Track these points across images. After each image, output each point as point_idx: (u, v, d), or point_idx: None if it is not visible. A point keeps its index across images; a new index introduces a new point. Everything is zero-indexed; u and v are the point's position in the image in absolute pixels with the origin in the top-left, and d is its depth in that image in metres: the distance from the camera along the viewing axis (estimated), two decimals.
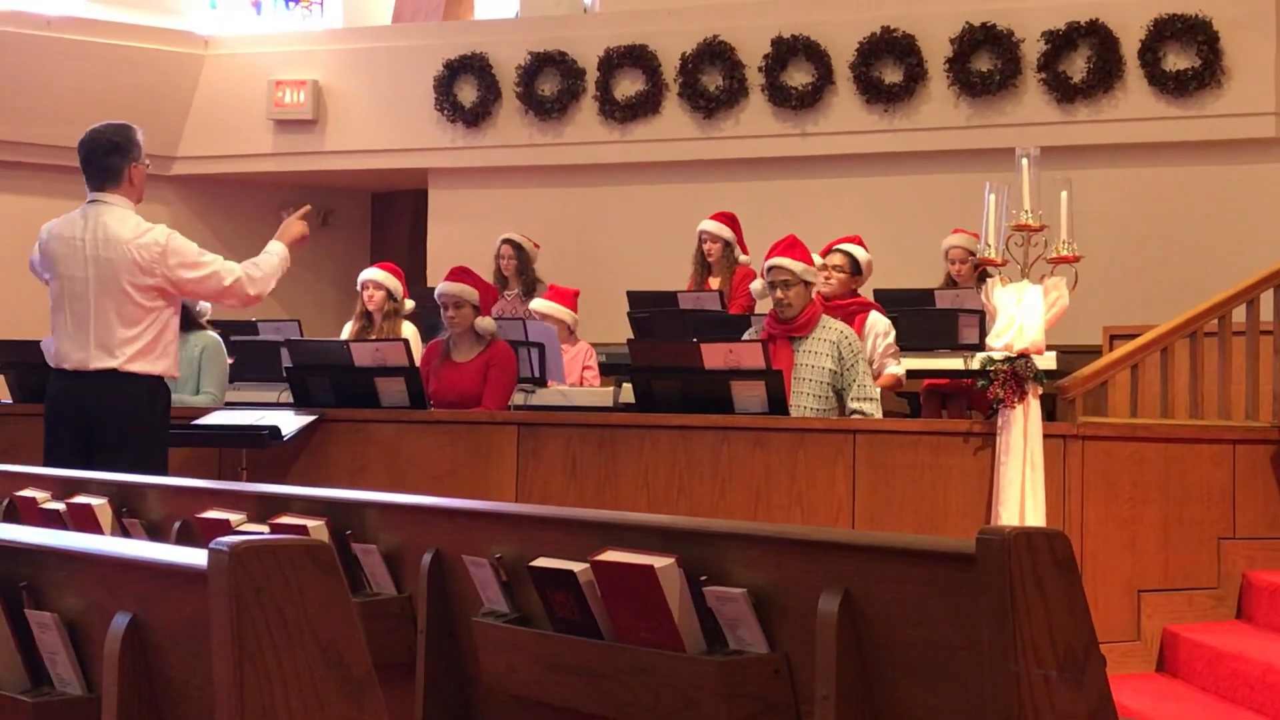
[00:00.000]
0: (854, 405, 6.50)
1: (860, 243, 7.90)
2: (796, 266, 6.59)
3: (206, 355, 7.68)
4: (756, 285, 6.95)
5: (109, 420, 5.77)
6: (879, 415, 6.54)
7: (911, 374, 8.31)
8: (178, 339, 6.06)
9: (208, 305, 7.52)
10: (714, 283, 8.89)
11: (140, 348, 5.82)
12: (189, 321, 7.55)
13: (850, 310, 7.46)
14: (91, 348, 5.79)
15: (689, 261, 9.49)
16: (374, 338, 8.36)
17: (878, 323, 7.50)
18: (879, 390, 6.67)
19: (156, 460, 5.82)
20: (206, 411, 7.09)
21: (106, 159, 5.90)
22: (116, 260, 5.79)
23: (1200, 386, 6.76)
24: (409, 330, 8.62)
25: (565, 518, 3.07)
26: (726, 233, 8.94)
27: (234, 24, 12.41)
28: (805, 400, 6.51)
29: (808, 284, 6.64)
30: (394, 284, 8.65)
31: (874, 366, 7.17)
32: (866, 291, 8.35)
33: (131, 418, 5.80)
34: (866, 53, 10.62)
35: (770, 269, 6.63)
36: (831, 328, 6.63)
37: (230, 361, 7.98)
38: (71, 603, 2.34)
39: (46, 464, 5.67)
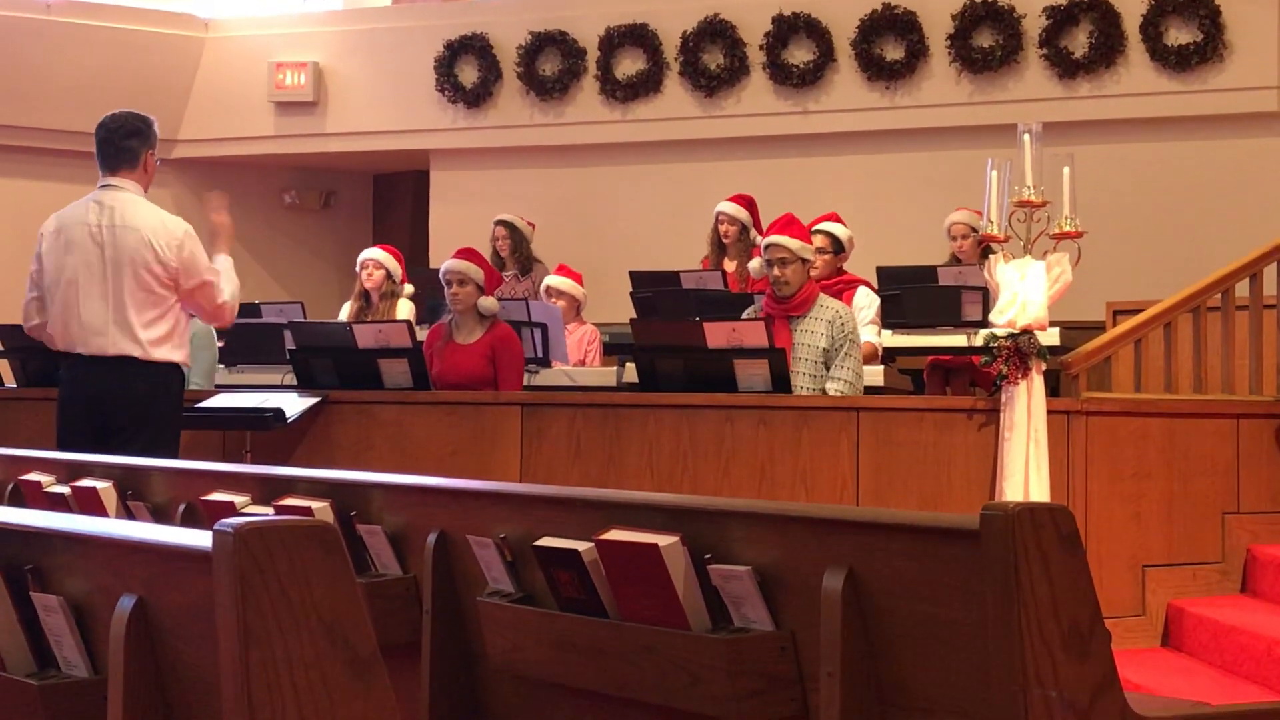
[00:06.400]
0: (825, 384, 6.52)
1: (838, 219, 7.93)
2: (794, 244, 6.58)
3: (196, 344, 7.73)
4: (754, 264, 6.96)
5: (131, 407, 5.76)
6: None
7: (915, 351, 8.32)
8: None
9: None
10: (729, 264, 8.89)
11: (162, 334, 5.82)
12: None
13: (838, 288, 7.50)
14: (111, 333, 5.77)
15: (691, 240, 9.48)
16: (371, 318, 8.37)
17: (861, 298, 7.62)
18: (860, 376, 6.63)
19: (171, 447, 5.84)
20: (209, 395, 7.10)
21: (127, 141, 5.89)
22: (135, 246, 5.77)
23: (1204, 361, 6.76)
24: (406, 308, 8.63)
25: (569, 497, 3.07)
26: (743, 215, 8.94)
27: (234, 6, 12.39)
28: (802, 380, 6.51)
29: (805, 261, 6.64)
30: (393, 264, 8.68)
31: None
32: (868, 267, 8.36)
33: (153, 405, 5.81)
34: (868, 30, 10.60)
35: (768, 247, 6.63)
36: (828, 307, 6.63)
37: (220, 345, 8.04)
38: (77, 585, 2.35)
39: (61, 449, 5.67)
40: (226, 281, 6.03)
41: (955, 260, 8.72)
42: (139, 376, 5.78)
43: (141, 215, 5.82)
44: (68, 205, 5.98)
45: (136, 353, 5.77)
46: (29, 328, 6.05)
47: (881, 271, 8.33)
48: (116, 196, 5.85)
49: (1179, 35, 9.97)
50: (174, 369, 5.90)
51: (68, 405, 5.87)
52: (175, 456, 5.78)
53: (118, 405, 5.76)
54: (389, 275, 8.64)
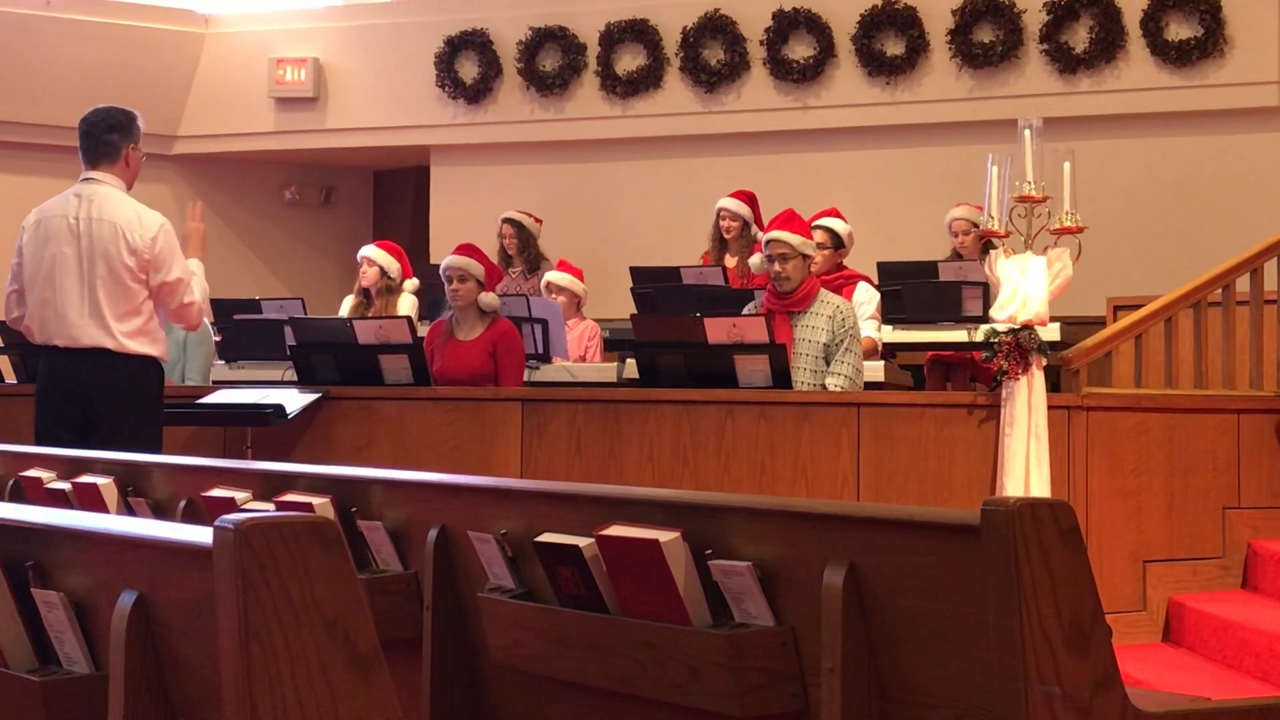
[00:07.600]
0: (825, 379, 6.52)
1: (838, 214, 7.94)
2: (794, 239, 6.58)
3: (192, 339, 7.73)
4: (755, 259, 6.97)
5: (108, 399, 5.76)
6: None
7: (915, 346, 8.32)
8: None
9: None
10: (730, 260, 8.89)
11: (135, 327, 5.82)
12: None
13: (837, 284, 7.51)
14: (86, 324, 5.78)
15: (692, 236, 9.49)
16: (371, 314, 8.38)
17: (861, 293, 7.66)
18: (860, 371, 6.63)
19: (152, 441, 5.82)
20: (209, 391, 7.10)
21: (107, 135, 5.89)
22: (110, 239, 5.78)
23: (1204, 356, 6.76)
24: (408, 303, 8.63)
25: (570, 493, 3.06)
26: (745, 211, 8.94)
27: (234, 2, 12.38)
28: (802, 375, 6.51)
29: (806, 257, 6.64)
30: (388, 261, 8.67)
31: None
32: (869, 262, 8.36)
33: (130, 397, 5.80)
34: (868, 25, 10.59)
35: (768, 242, 6.64)
36: (829, 302, 6.63)
37: (217, 339, 8.02)
38: (78, 581, 2.35)
39: (38, 442, 5.67)
40: (196, 285, 6.03)
41: (956, 255, 8.72)
42: (115, 369, 5.79)
43: (117, 208, 5.82)
44: (47, 201, 5.99)
45: (110, 345, 5.77)
46: (10, 320, 6.07)
47: (882, 267, 8.33)
48: (95, 190, 5.85)
49: (1179, 30, 9.97)
50: (150, 362, 5.89)
51: (46, 398, 5.88)
52: (158, 450, 5.78)
53: (96, 398, 5.76)
54: (383, 272, 8.64)
